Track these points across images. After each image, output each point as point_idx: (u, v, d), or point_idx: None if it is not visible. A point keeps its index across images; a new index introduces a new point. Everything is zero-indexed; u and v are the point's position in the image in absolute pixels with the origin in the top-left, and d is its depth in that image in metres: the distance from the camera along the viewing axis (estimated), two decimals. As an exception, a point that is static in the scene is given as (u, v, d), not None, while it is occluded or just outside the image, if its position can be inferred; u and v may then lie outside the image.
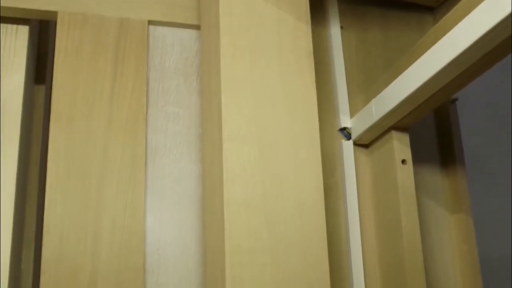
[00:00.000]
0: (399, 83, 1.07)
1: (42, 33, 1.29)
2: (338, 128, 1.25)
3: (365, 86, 1.27)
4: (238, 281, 0.94)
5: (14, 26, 1.15)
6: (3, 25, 1.14)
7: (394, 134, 1.17)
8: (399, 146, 1.17)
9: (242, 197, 0.98)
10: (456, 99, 1.37)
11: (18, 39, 1.14)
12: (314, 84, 1.10)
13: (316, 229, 1.01)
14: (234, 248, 0.95)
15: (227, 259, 0.94)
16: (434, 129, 1.38)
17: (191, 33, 1.26)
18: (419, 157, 1.31)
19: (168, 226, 1.12)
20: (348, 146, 1.24)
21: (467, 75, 0.98)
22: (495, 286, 2.00)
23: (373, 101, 1.15)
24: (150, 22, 1.23)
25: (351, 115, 1.26)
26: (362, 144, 1.26)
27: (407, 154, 1.17)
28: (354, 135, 1.24)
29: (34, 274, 1.13)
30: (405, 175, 1.16)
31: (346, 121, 1.26)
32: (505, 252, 2.09)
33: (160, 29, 1.25)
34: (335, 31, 1.33)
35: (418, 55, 1.02)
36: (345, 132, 1.25)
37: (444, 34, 0.94)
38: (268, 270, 0.96)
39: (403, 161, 1.16)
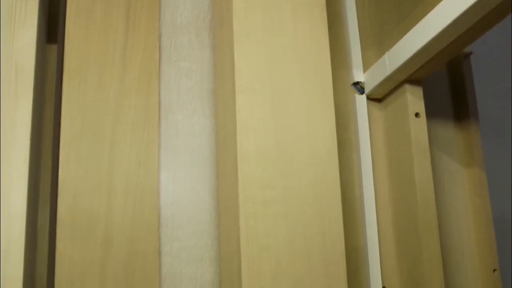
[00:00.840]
0: (413, 35, 1.05)
1: (54, -8, 1.27)
2: (351, 82, 1.23)
3: (378, 40, 1.25)
4: (252, 232, 0.93)
5: (25, -16, 1.13)
6: (14, -17, 1.12)
7: (408, 87, 1.15)
8: (413, 99, 1.15)
9: (255, 149, 0.97)
10: (471, 53, 1.34)
11: (30, -2, 1.12)
12: (327, 37, 1.08)
13: (330, 181, 1.00)
14: (247, 199, 0.94)
15: (240, 211, 0.94)
16: (448, 83, 1.36)
17: (203, -12, 1.24)
18: (432, 111, 1.29)
19: (182, 181, 1.11)
20: (361, 101, 1.22)
21: (480, 27, 0.95)
22: (505, 245, 1.99)
23: (387, 54, 1.13)
24: (162, -22, 1.22)
25: (364, 70, 1.24)
26: (375, 98, 1.25)
27: (421, 108, 1.15)
28: (367, 89, 1.22)
29: (50, 232, 1.12)
30: (419, 128, 1.14)
31: (359, 76, 1.24)
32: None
33: (171, -15, 1.23)
34: (347, -15, 1.31)
35: (431, 7, 1.00)
36: (358, 87, 1.23)
37: (457, -15, 0.92)
38: (282, 221, 0.95)
39: (417, 115, 1.14)
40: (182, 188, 1.11)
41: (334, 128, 1.03)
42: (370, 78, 1.21)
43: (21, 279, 0.92)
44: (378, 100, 1.25)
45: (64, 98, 1.07)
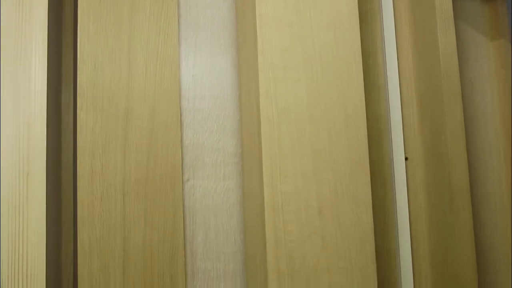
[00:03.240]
0: None
1: None
2: (374, -48, 1.16)
3: None
4: (272, 96, 0.89)
5: None
6: None
7: (432, -46, 1.07)
8: (437, -33, 1.07)
9: (274, 13, 0.92)
10: None
11: None
12: None
13: (351, 46, 0.95)
14: (267, 63, 0.90)
15: (260, 75, 0.90)
16: (474, -48, 1.28)
17: None
18: (458, -19, 1.22)
19: (202, 52, 1.07)
20: (383, -30, 1.15)
21: None
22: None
23: None
24: None
25: None
26: (399, -32, 1.17)
27: (446, -24, 1.08)
28: (390, -41, 1.14)
29: (74, 109, 1.09)
30: (443, -3, 1.08)
31: None
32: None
33: None
34: None
35: None
36: (381, -44, 1.15)
37: None
38: (302, 85, 0.91)
39: (442, -17, 1.07)
40: (202, 59, 1.06)
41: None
42: None
43: (44, 153, 0.89)
44: (402, -30, 1.18)
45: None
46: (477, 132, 1.18)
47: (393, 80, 1.10)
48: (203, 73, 1.06)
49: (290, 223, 0.88)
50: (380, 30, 1.12)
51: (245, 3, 0.98)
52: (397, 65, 1.11)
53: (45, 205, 0.88)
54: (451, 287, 1.04)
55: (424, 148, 1.11)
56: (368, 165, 0.92)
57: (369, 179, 0.92)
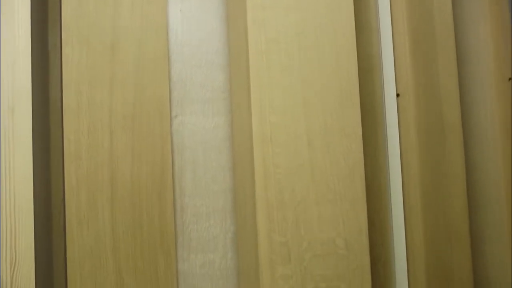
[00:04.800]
0: None
1: None
2: None
3: None
4: (261, 24, 0.87)
5: None
6: None
7: None
8: None
9: None
10: None
11: None
12: None
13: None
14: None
15: (248, 1, 0.86)
16: None
17: None
18: None
19: (189, -15, 1.03)
20: None
21: None
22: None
23: None
24: None
25: None
26: None
27: None
28: None
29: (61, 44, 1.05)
30: None
31: None
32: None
33: None
34: None
35: None
36: None
37: None
38: (292, 14, 0.88)
39: None
40: (190, -8, 1.02)
41: None
42: None
43: (30, 88, 0.86)
44: None
45: None
46: (470, 68, 1.15)
47: (385, 16, 1.07)
48: (191, 6, 1.02)
49: (278, 155, 0.86)
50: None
51: None
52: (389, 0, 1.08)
53: (31, 141, 0.86)
54: (442, 222, 1.03)
55: (416, 85, 1.07)
56: (358, 97, 0.90)
57: (359, 111, 0.89)
